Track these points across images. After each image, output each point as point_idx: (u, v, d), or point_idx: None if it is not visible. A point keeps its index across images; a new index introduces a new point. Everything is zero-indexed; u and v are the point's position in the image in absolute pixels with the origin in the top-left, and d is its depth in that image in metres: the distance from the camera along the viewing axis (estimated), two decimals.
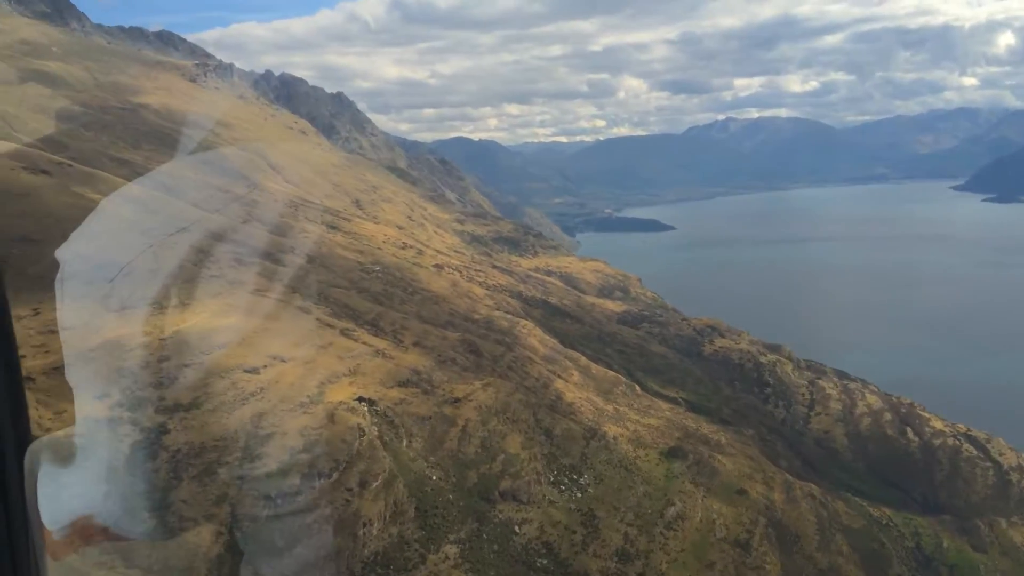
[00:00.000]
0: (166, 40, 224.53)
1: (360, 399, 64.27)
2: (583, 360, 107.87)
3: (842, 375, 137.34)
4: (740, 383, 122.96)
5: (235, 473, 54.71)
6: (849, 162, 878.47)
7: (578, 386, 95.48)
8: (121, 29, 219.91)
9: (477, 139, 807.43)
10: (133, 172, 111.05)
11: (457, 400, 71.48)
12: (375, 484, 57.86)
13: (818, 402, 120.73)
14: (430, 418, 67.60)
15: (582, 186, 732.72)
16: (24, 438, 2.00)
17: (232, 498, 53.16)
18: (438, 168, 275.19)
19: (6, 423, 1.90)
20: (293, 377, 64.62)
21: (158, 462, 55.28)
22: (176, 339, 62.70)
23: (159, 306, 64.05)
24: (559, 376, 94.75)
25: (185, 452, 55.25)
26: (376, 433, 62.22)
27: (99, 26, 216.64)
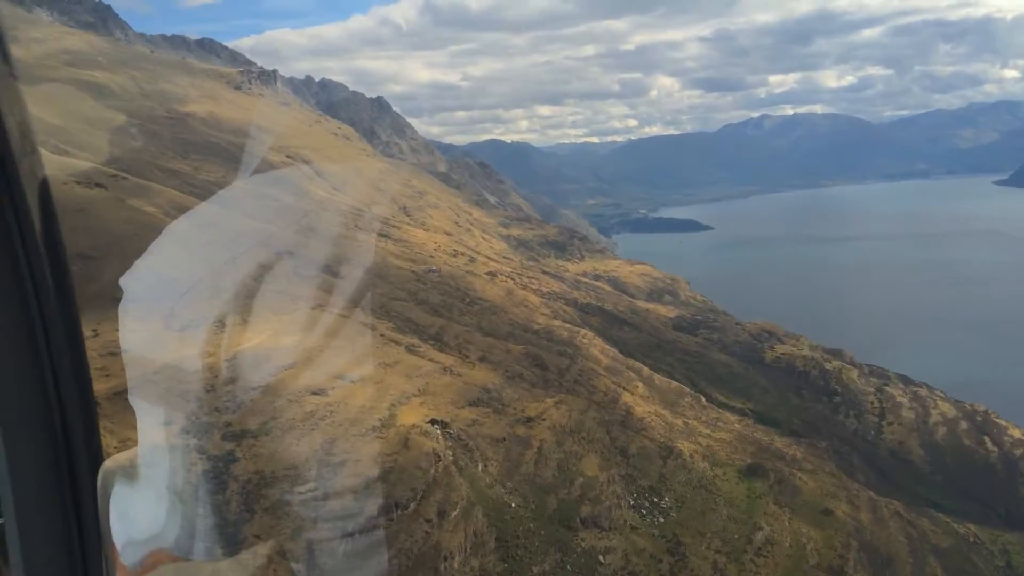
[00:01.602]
0: (208, 48, 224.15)
1: (433, 421, 61.14)
2: (645, 371, 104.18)
3: (906, 380, 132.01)
4: (807, 392, 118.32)
5: (309, 505, 51.92)
6: (888, 158, 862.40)
7: (645, 399, 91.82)
8: (164, 37, 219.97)
9: (510, 141, 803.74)
10: (183, 183, 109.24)
11: (530, 420, 68.15)
12: (454, 513, 54.67)
13: (889, 411, 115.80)
14: (504, 440, 64.33)
15: (616, 187, 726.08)
16: (96, 457, 2.02)
17: (308, 532, 50.45)
18: (477, 171, 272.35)
19: (79, 442, 1.91)
20: (362, 399, 61.66)
21: (228, 493, 52.52)
22: (240, 360, 59.52)
23: (221, 325, 61.30)
24: (625, 389, 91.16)
25: (256, 482, 52.45)
26: (451, 458, 59.04)
27: (141, 35, 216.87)
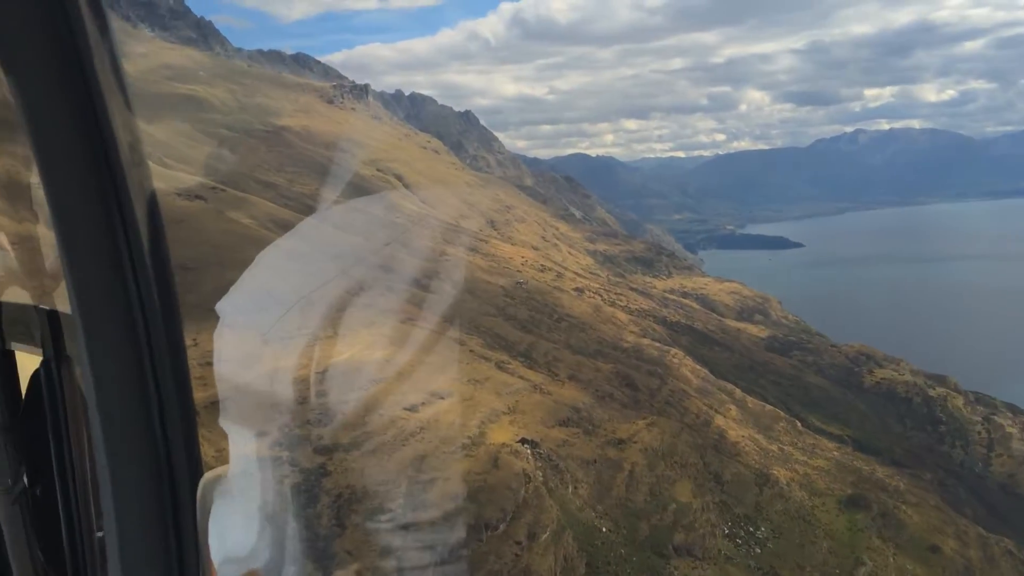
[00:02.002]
0: (302, 62, 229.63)
1: (523, 441, 60.04)
2: (738, 392, 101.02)
3: (1015, 410, 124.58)
4: (909, 420, 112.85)
5: (399, 522, 51.34)
6: (991, 175, 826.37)
7: (738, 422, 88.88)
8: (261, 52, 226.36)
9: (595, 155, 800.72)
10: (278, 195, 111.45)
11: (621, 441, 66.42)
12: (544, 536, 53.36)
13: (998, 442, 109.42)
14: (595, 462, 62.77)
15: (703, 202, 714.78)
16: (196, 470, 2.15)
17: (398, 550, 49.88)
18: (563, 185, 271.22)
19: (180, 455, 2.05)
20: (453, 415, 60.99)
21: (319, 507, 52.47)
22: (332, 372, 59.59)
23: (315, 337, 61.62)
24: (717, 411, 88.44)
25: (347, 497, 52.24)
26: (541, 479, 57.81)
27: (239, 50, 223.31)
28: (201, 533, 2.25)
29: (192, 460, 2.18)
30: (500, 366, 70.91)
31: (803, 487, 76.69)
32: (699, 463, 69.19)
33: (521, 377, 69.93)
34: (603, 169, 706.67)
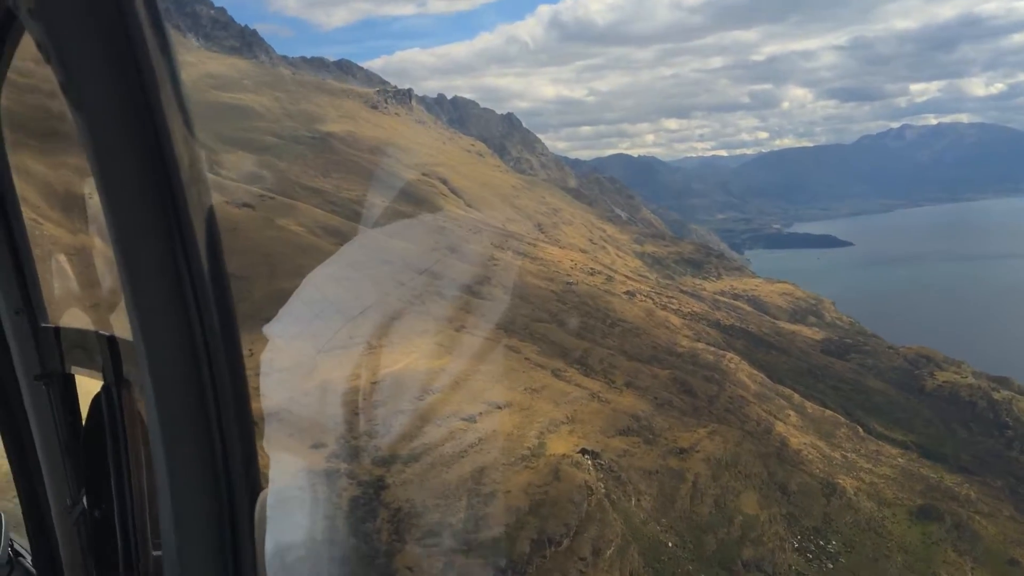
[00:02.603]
0: (345, 69, 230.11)
1: (583, 451, 58.35)
2: (796, 398, 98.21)
3: None
4: (975, 424, 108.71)
5: (460, 538, 49.93)
6: None
7: (799, 429, 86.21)
8: (304, 60, 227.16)
9: (636, 155, 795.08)
10: (325, 201, 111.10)
11: (683, 451, 64.40)
12: (608, 552, 51.67)
13: None
14: (657, 472, 60.88)
15: (747, 201, 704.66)
16: (255, 487, 2.11)
17: (460, 568, 48.35)
18: (607, 186, 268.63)
19: (239, 474, 2.03)
20: (511, 426, 59.64)
21: (378, 521, 51.32)
22: (388, 382, 58.99)
23: (369, 346, 60.64)
24: (777, 418, 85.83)
25: (406, 511, 51.05)
26: (603, 491, 56.11)
27: (284, 57, 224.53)
28: (259, 551, 2.17)
29: (251, 478, 2.10)
30: (556, 374, 69.27)
31: (871, 497, 73.91)
32: (763, 473, 66.90)
33: (578, 385, 68.22)
34: (645, 169, 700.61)
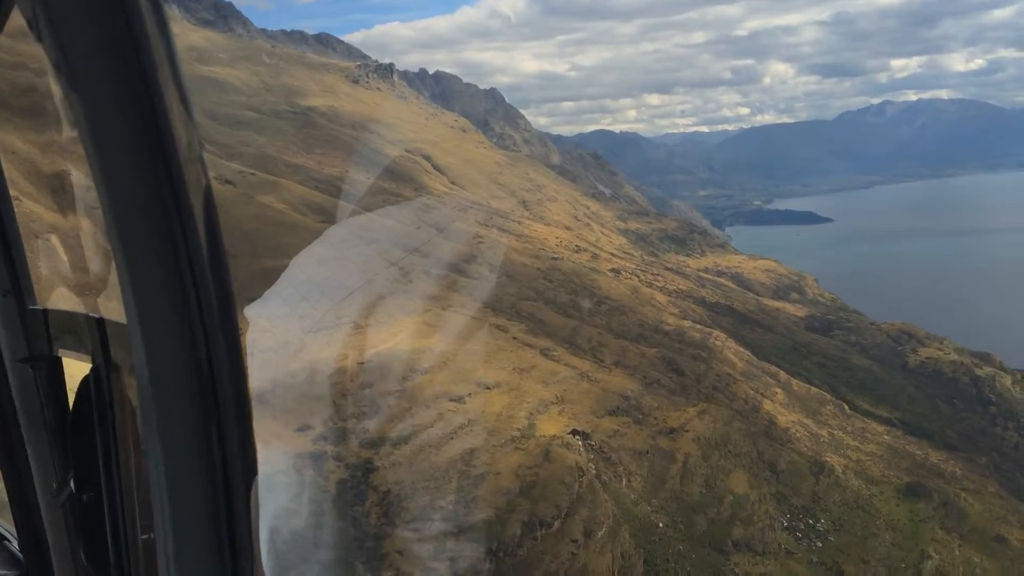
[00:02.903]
0: (325, 42, 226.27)
1: (574, 432, 57.78)
2: (782, 375, 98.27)
3: None
4: (959, 401, 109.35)
5: (451, 521, 49.25)
6: (1023, 145, 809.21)
7: (786, 407, 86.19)
8: (284, 33, 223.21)
9: (618, 131, 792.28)
10: (308, 178, 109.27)
11: (673, 431, 64.04)
12: (600, 533, 51.26)
13: None
14: (647, 453, 60.47)
15: (728, 177, 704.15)
16: (251, 471, 2.11)
17: (450, 551, 47.73)
18: (591, 163, 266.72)
19: (235, 453, 2.03)
20: (500, 406, 58.92)
21: (367, 504, 50.55)
22: (375, 363, 58.10)
23: (356, 326, 59.62)
24: (764, 396, 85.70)
25: (396, 493, 50.33)
26: (594, 472, 55.61)
27: (262, 30, 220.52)
28: (254, 534, 2.19)
29: (247, 461, 2.09)
30: (545, 353, 68.56)
31: (858, 475, 74.05)
32: (753, 452, 66.74)
33: (567, 365, 67.59)
34: (627, 145, 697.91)
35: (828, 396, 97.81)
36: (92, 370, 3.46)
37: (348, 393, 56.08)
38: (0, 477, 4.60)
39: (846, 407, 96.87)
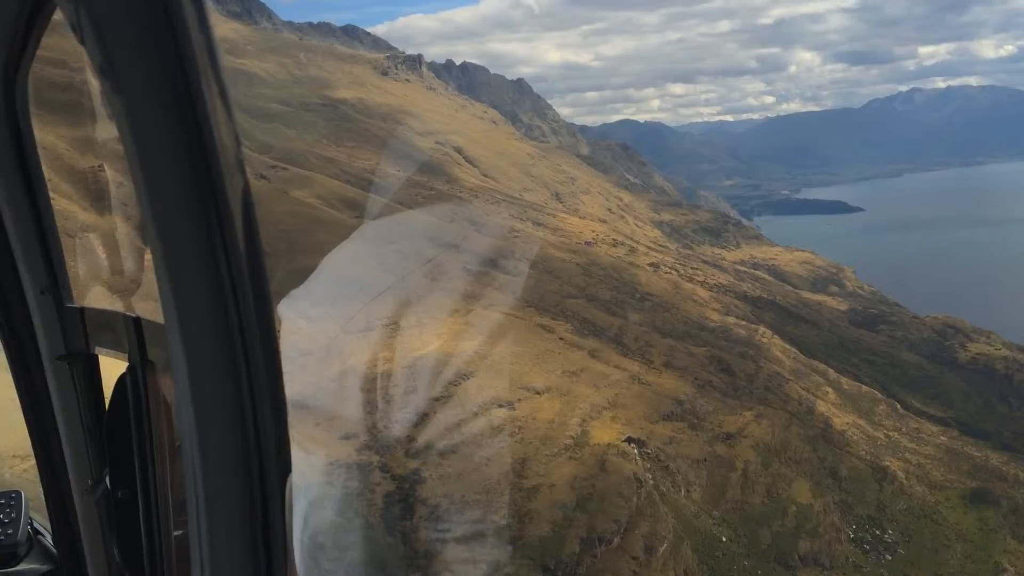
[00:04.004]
0: (351, 34, 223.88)
1: (629, 440, 54.85)
2: (831, 373, 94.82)
3: None
4: (1014, 399, 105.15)
5: (505, 537, 46.52)
6: None
7: (839, 407, 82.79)
8: (311, 25, 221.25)
9: (643, 121, 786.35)
10: (340, 171, 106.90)
11: (730, 436, 61.01)
12: (661, 549, 48.37)
13: None
14: (705, 460, 57.50)
15: (755, 166, 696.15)
16: (286, 468, 2.14)
17: (505, 570, 45.01)
18: (620, 153, 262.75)
19: (271, 452, 2.08)
20: (551, 412, 56.08)
21: (416, 519, 47.97)
22: (420, 367, 55.43)
23: (398, 327, 56.96)
24: (816, 396, 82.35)
25: (445, 508, 47.66)
26: (652, 483, 52.67)
27: (288, 23, 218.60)
28: (288, 533, 2.14)
29: (282, 460, 2.10)
30: (594, 355, 65.68)
31: (920, 480, 70.67)
32: (813, 458, 63.55)
33: (617, 366, 64.67)
34: (652, 135, 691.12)
35: (879, 395, 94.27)
36: (128, 368, 3.48)
37: (393, 399, 53.32)
38: (36, 473, 4.61)
39: (899, 406, 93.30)
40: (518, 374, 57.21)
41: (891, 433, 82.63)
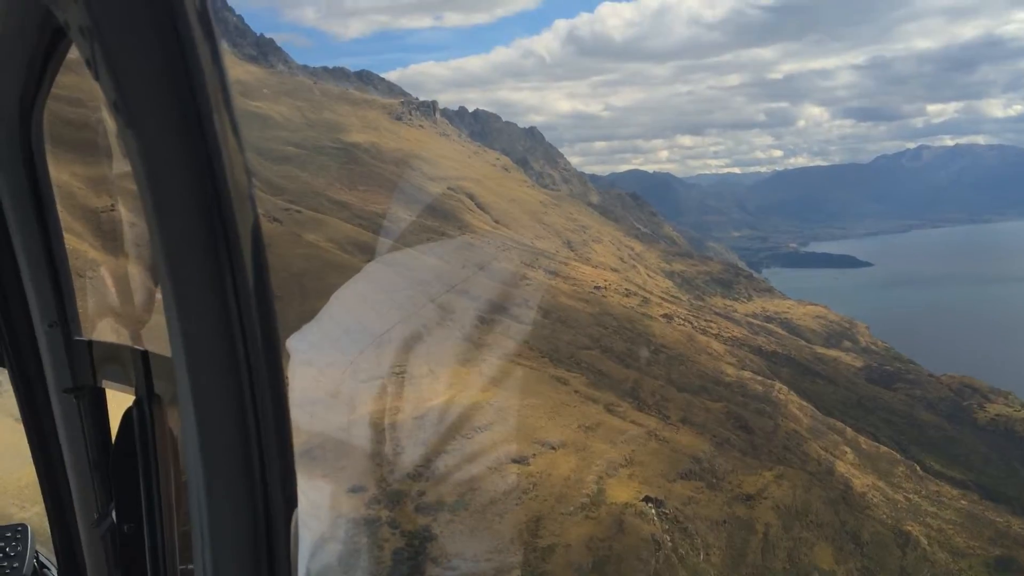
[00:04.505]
0: (365, 79, 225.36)
1: (647, 499, 52.86)
2: (849, 432, 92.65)
3: None
4: None
5: None
6: None
7: (858, 468, 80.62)
8: (325, 69, 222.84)
9: (651, 171, 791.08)
10: (353, 215, 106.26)
11: (749, 497, 58.93)
12: None
13: None
14: (724, 523, 55.36)
15: (762, 219, 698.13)
16: (291, 501, 2.15)
17: None
18: (629, 203, 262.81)
19: (276, 486, 2.09)
20: (566, 469, 54.23)
21: None
22: (432, 418, 53.79)
23: (408, 376, 55.42)
24: (834, 455, 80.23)
25: (457, 568, 45.69)
26: (670, 545, 50.57)
27: (304, 67, 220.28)
28: (294, 568, 2.12)
29: (288, 495, 2.11)
30: (610, 409, 63.95)
31: (943, 546, 68.26)
32: (835, 521, 61.37)
33: (633, 422, 62.90)
34: (661, 185, 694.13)
35: (898, 456, 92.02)
36: (135, 401, 3.53)
37: (403, 452, 51.64)
38: (42, 506, 4.61)
39: (918, 468, 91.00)
40: (532, 427, 55.51)
41: (911, 496, 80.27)
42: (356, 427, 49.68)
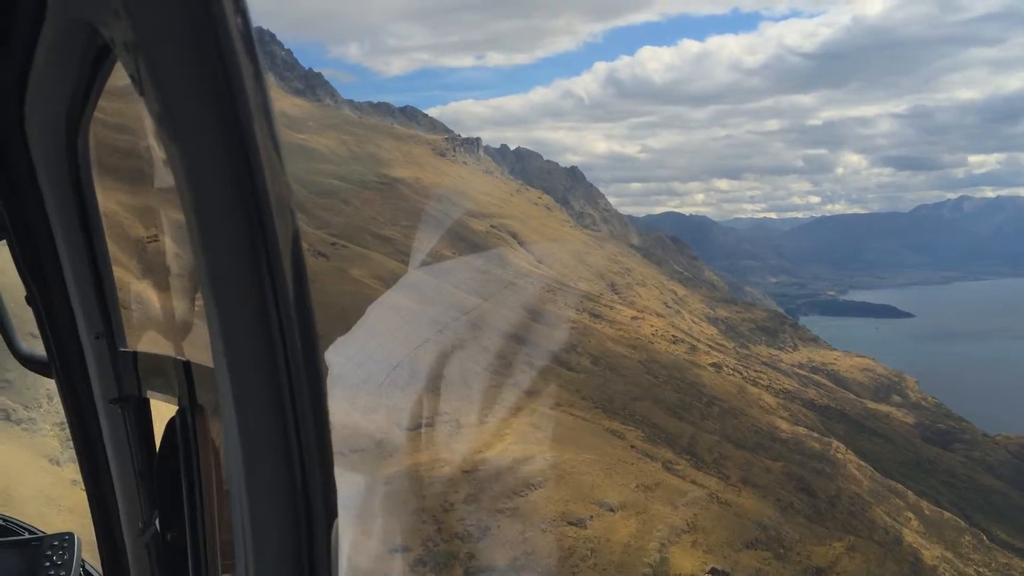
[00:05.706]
0: (409, 115, 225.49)
1: (713, 571, 48.90)
2: (911, 496, 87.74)
3: None
4: None
5: None
6: None
7: (924, 537, 75.81)
8: (370, 104, 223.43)
9: (688, 214, 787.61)
10: (396, 250, 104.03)
11: (820, 571, 54.62)
12: None
13: None
14: None
15: (800, 265, 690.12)
16: (332, 511, 2.13)
17: None
18: (670, 245, 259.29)
19: (317, 497, 2.09)
20: (626, 533, 50.47)
21: None
22: (482, 472, 50.55)
23: (457, 424, 52.18)
24: (900, 523, 75.50)
25: None
26: None
27: (349, 101, 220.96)
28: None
29: (328, 505, 2.10)
30: (668, 467, 60.23)
31: None
32: None
33: (694, 482, 59.11)
34: (697, 229, 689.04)
35: (962, 523, 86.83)
36: (179, 411, 3.59)
37: (452, 508, 48.15)
38: (90, 516, 4.65)
39: (984, 537, 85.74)
40: (589, 486, 52.00)
41: (981, 569, 75.46)
42: (400, 480, 46.45)
